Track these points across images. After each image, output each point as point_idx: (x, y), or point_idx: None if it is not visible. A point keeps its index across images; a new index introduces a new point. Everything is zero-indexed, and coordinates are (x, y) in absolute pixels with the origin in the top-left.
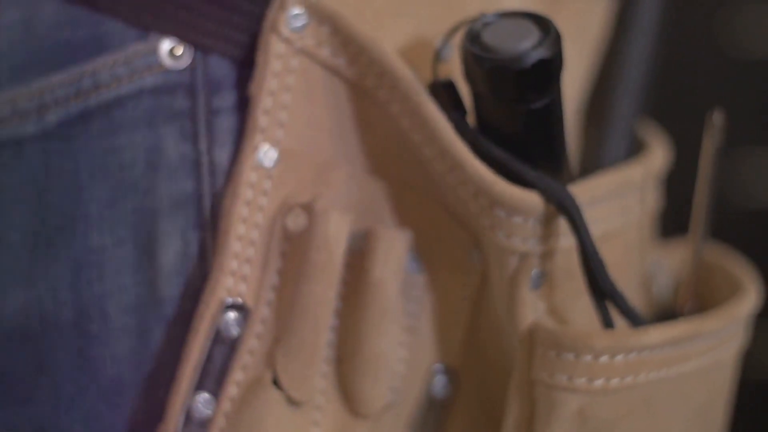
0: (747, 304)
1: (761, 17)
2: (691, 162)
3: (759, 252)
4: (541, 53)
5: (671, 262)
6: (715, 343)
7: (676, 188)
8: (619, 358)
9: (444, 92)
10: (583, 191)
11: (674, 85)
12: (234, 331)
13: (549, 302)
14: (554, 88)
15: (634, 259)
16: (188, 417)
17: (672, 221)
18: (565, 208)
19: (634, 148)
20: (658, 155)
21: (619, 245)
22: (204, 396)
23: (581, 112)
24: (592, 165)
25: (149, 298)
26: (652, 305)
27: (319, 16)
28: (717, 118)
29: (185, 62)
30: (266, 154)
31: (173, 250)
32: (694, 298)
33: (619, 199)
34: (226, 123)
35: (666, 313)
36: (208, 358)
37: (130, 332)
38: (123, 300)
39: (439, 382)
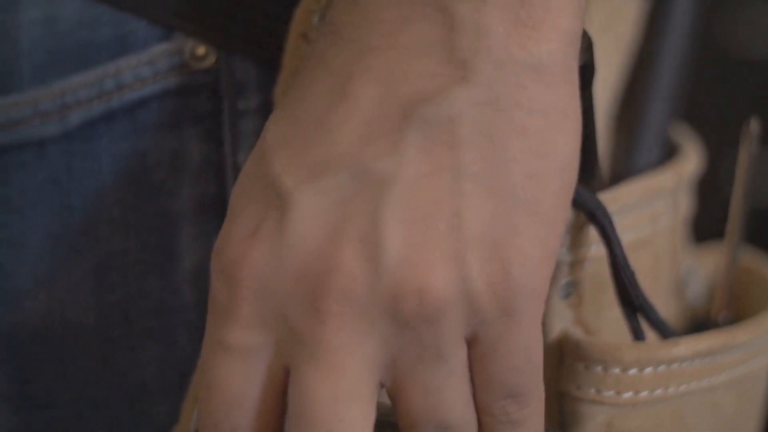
0: None
1: (761, 17)
2: None
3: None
4: None
5: (706, 268)
6: (748, 354)
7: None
8: (648, 370)
9: None
10: (613, 199)
11: None
12: None
13: (577, 312)
14: (585, 96)
15: (666, 266)
16: None
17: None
18: (596, 217)
19: (667, 153)
20: (690, 160)
21: (650, 253)
22: None
23: (612, 115)
24: (623, 170)
25: (174, 302)
26: (686, 313)
27: None
28: (753, 125)
29: (209, 63)
30: None
31: (198, 253)
32: (730, 306)
33: (650, 207)
34: (250, 125)
35: (701, 321)
36: None
37: (155, 337)
38: (147, 305)
39: None
